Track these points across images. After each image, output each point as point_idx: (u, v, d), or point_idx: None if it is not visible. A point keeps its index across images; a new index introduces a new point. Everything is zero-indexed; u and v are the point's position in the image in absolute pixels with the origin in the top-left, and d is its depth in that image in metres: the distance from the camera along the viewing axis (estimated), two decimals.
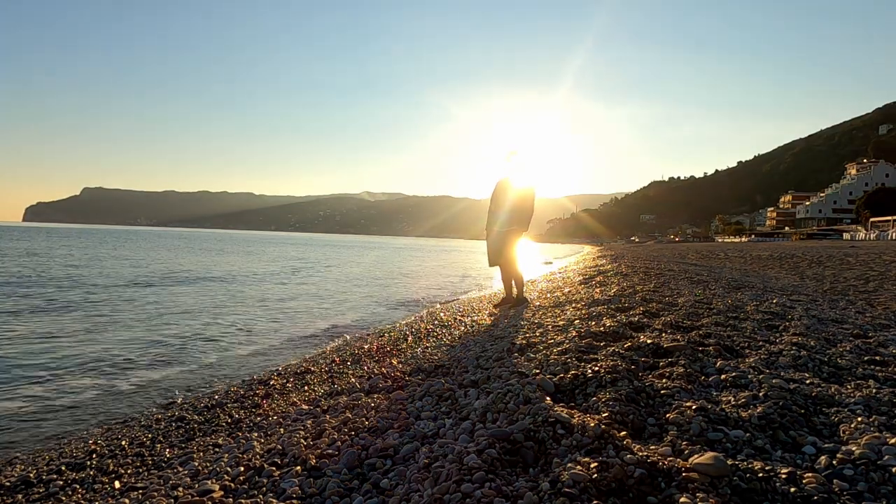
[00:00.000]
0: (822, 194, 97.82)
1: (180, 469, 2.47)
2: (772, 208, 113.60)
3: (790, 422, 2.09)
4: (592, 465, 1.69)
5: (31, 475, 2.78)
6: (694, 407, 2.17)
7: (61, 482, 2.66)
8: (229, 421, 3.45)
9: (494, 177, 6.58)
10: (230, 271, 18.93)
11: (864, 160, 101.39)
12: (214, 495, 1.94)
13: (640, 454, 1.77)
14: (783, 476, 1.61)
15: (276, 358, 5.98)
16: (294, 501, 1.81)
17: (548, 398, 2.35)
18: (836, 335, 3.97)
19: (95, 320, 8.05)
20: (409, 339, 5.60)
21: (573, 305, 5.75)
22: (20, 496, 2.56)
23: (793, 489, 1.55)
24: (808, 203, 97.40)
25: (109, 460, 2.92)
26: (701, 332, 3.84)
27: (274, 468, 2.11)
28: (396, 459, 2.05)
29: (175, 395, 4.54)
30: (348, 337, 7.20)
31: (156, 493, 2.12)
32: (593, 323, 4.33)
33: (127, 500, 2.17)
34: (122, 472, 2.73)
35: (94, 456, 3.03)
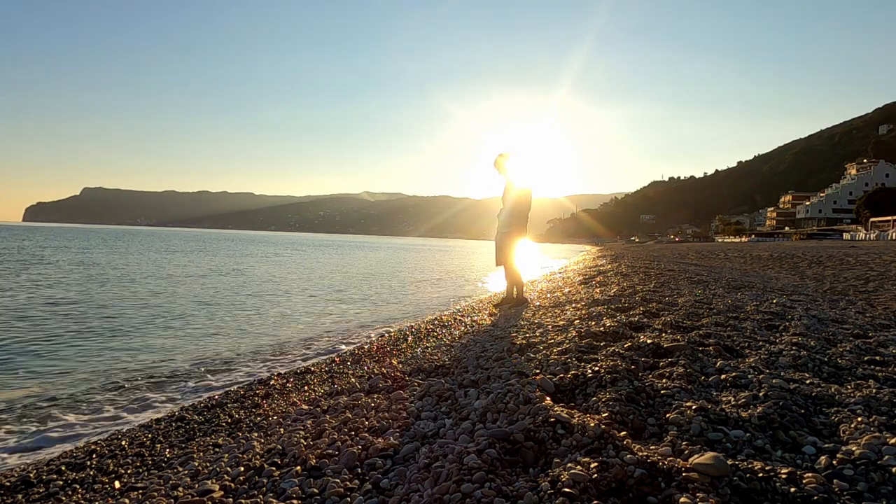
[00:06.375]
0: (822, 194, 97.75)
1: (180, 469, 2.47)
2: (772, 208, 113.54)
3: (790, 422, 2.09)
4: (592, 465, 1.69)
5: (31, 475, 2.78)
6: (694, 407, 2.17)
7: (61, 482, 2.66)
8: (229, 421, 3.45)
9: (502, 179, 6.58)
10: (229, 272, 18.93)
11: (864, 160, 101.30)
12: (214, 495, 1.94)
13: (640, 454, 1.77)
14: (783, 476, 1.61)
15: (277, 358, 5.98)
16: (294, 501, 1.81)
17: (548, 398, 2.35)
18: (836, 335, 3.97)
19: (95, 320, 8.05)
20: (409, 339, 5.60)
21: (573, 305, 5.75)
22: (20, 496, 2.56)
23: (793, 489, 1.55)
24: (808, 203, 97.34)
25: (109, 460, 2.92)
26: (701, 332, 3.83)
27: (274, 468, 2.11)
28: (396, 459, 2.04)
29: (175, 394, 4.54)
30: (348, 336, 7.19)
31: (156, 493, 2.12)
32: (593, 323, 4.33)
33: (127, 500, 2.17)
34: (122, 472, 2.73)
35: (94, 456, 3.02)
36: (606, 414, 2.16)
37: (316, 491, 1.86)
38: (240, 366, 5.58)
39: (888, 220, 58.60)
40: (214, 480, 2.09)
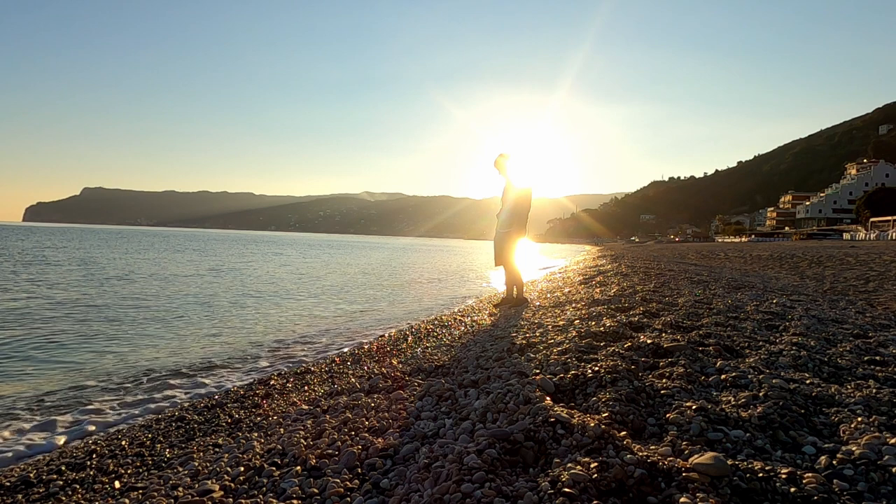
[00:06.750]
0: (822, 194, 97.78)
1: (180, 469, 2.47)
2: (772, 208, 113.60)
3: (790, 422, 2.09)
4: (592, 465, 1.69)
5: (31, 475, 2.78)
6: (694, 407, 2.17)
7: (61, 482, 2.66)
8: (229, 421, 3.45)
9: (502, 179, 6.59)
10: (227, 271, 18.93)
11: (864, 160, 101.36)
12: (214, 495, 1.94)
13: (640, 454, 1.77)
14: (783, 476, 1.61)
15: (277, 358, 5.98)
16: (294, 501, 1.81)
17: (548, 398, 2.35)
18: (836, 335, 3.97)
19: (96, 319, 8.05)
20: (409, 339, 5.60)
21: (573, 305, 5.75)
22: (20, 496, 2.56)
23: (793, 489, 1.55)
24: (808, 203, 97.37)
25: (109, 460, 2.92)
26: (701, 332, 3.83)
27: (274, 468, 2.11)
28: (396, 459, 2.04)
29: (175, 394, 4.54)
30: (349, 337, 7.19)
31: (156, 493, 2.12)
32: (593, 323, 4.33)
33: (127, 500, 2.17)
34: (122, 472, 2.73)
35: (94, 456, 3.02)
36: (606, 414, 2.16)
37: (316, 491, 1.86)
38: (240, 366, 5.58)
39: (888, 220, 58.59)
40: (214, 480, 2.09)
